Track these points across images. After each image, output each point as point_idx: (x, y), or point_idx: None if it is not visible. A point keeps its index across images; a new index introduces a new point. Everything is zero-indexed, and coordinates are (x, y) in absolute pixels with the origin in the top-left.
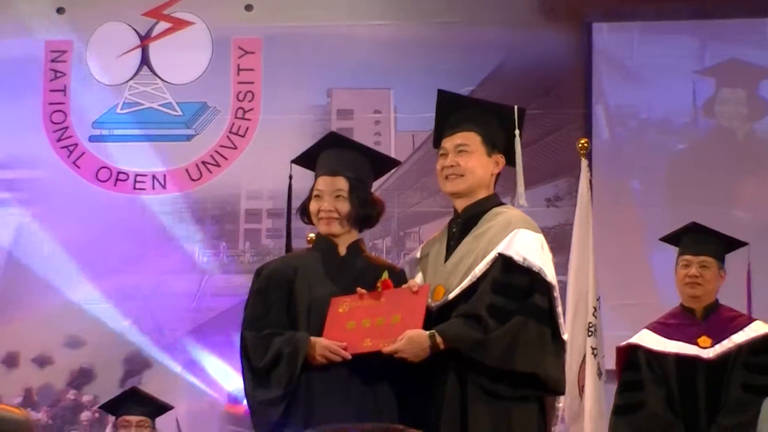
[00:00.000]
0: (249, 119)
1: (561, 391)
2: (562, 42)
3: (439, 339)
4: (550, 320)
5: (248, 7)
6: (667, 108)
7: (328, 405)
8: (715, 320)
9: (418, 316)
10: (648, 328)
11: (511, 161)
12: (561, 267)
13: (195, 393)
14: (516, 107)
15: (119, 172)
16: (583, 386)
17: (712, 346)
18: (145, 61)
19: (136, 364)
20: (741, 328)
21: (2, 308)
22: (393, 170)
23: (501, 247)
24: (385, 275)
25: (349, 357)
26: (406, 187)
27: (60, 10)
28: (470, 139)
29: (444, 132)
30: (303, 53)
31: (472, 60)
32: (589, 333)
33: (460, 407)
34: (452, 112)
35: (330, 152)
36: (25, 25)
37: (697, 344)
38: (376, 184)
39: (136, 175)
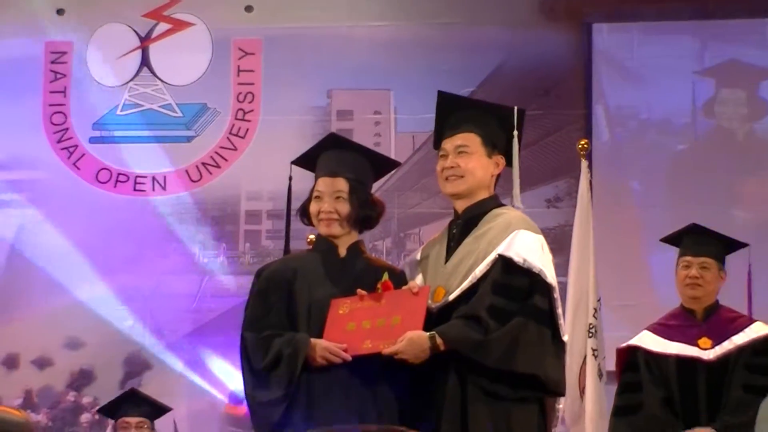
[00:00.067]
0: (249, 120)
1: (561, 393)
2: (562, 42)
3: (439, 340)
4: (550, 321)
5: (248, 8)
6: (667, 108)
7: (328, 406)
8: (716, 321)
9: (419, 317)
10: (648, 329)
11: (511, 162)
12: (561, 268)
13: (195, 394)
14: (516, 108)
15: (119, 174)
16: (583, 387)
17: (712, 347)
18: (145, 62)
19: (137, 365)
20: (741, 330)
21: (2, 309)
22: (393, 171)
23: (501, 249)
24: (386, 276)
25: (350, 358)
26: (406, 188)
27: (60, 11)
28: (470, 140)
29: (444, 133)
30: (303, 54)
31: (472, 61)
32: (590, 334)
33: (460, 408)
34: (452, 113)
35: (330, 153)
36: (25, 26)
37: (697, 345)
38: (376, 185)
39: (137, 176)
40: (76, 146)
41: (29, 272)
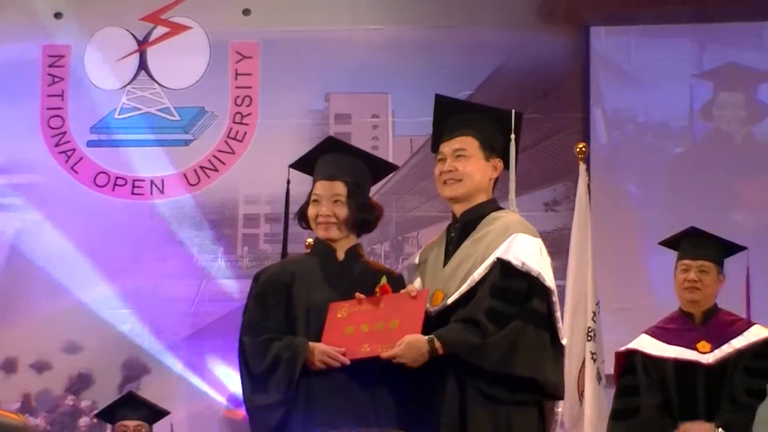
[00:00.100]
0: (247, 124)
1: (560, 396)
2: (561, 46)
3: (437, 344)
4: (548, 325)
5: (246, 12)
6: (665, 112)
7: (327, 410)
8: (714, 325)
9: (417, 321)
10: (647, 332)
11: (509, 165)
12: (559, 271)
13: (194, 398)
14: (513, 111)
15: (117, 177)
16: (582, 391)
17: (711, 351)
18: (142, 65)
19: (135, 369)
20: (740, 333)
21: (0, 313)
22: (391, 175)
23: (500, 252)
24: (384, 280)
25: (348, 362)
26: (404, 192)
27: (58, 15)
28: (468, 143)
29: (442, 137)
30: (301, 57)
31: (470, 64)
32: (589, 338)
33: (459, 412)
34: (450, 116)
35: (328, 157)
36: (23, 30)
37: (696, 349)
38: (374, 189)
39: (134, 180)
40: (74, 150)
41: (28, 276)
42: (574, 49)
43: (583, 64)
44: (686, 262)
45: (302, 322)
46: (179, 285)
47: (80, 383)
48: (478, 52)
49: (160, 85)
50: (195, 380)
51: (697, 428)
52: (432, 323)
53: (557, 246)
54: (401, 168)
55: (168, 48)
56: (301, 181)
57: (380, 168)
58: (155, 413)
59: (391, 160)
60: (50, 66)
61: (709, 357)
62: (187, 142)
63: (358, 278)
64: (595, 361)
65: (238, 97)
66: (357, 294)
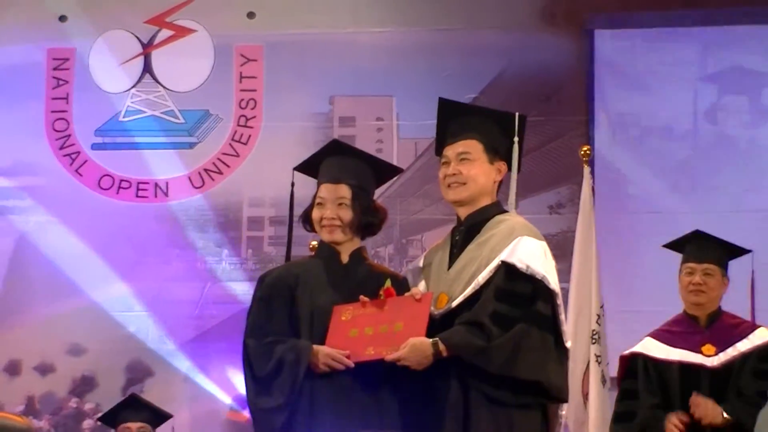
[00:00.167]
0: (251, 127)
1: (564, 399)
2: (564, 49)
3: (442, 346)
4: (553, 327)
5: (250, 15)
6: (669, 115)
7: (331, 413)
8: (719, 328)
9: (421, 323)
10: (651, 335)
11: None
12: (563, 274)
13: (198, 400)
14: (517, 114)
15: (122, 180)
16: (587, 394)
17: (716, 354)
18: (147, 68)
19: (139, 371)
20: (745, 336)
21: (4, 316)
22: (395, 178)
23: (504, 255)
24: (388, 283)
25: (352, 365)
26: (409, 195)
27: (62, 18)
28: (472, 146)
29: (446, 140)
30: (305, 60)
31: (474, 67)
32: (593, 340)
33: (463, 414)
34: (453, 119)
35: (332, 160)
36: (27, 33)
37: (701, 352)
38: (378, 192)
39: (139, 182)
40: (79, 153)
41: (32, 278)
42: (578, 53)
43: (587, 67)
44: (691, 265)
45: (306, 325)
46: (183, 287)
47: (84, 386)
48: (481, 55)
49: (164, 87)
50: (199, 383)
51: (704, 405)
52: (436, 326)
53: (561, 249)
54: (405, 171)
55: (173, 51)
56: (306, 184)
57: (384, 171)
58: (158, 416)
59: (395, 163)
60: (55, 69)
61: (713, 360)
62: (191, 145)
63: (363, 281)
64: (599, 363)
65: (242, 100)
66: (361, 297)
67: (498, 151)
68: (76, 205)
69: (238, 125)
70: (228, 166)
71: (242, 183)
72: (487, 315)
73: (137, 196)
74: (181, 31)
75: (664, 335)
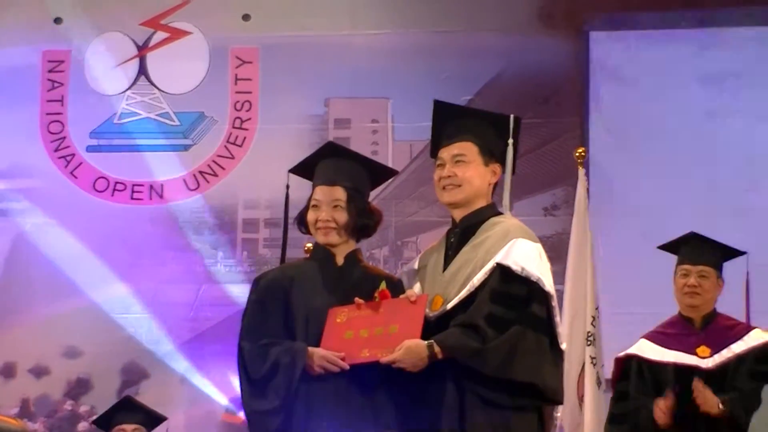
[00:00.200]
0: (246, 129)
1: (559, 401)
2: (561, 50)
3: (437, 349)
4: (548, 329)
5: (245, 17)
6: (665, 116)
7: (326, 415)
8: (714, 329)
9: (416, 326)
10: (646, 337)
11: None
12: (558, 276)
13: (193, 402)
14: (512, 116)
15: (117, 182)
16: (582, 396)
17: (711, 355)
18: (142, 70)
19: (134, 374)
20: (740, 337)
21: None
22: (390, 180)
23: (499, 257)
24: (383, 285)
25: (347, 367)
26: (404, 197)
27: (57, 20)
28: (467, 149)
29: (441, 142)
30: (300, 62)
31: (470, 69)
32: (588, 342)
33: (458, 417)
34: (448, 121)
35: (328, 162)
36: (22, 35)
37: (696, 354)
38: (373, 194)
39: (134, 185)
40: (74, 155)
41: (27, 280)
42: (574, 54)
43: (582, 68)
44: (686, 266)
45: (301, 327)
46: (178, 289)
47: (79, 388)
48: (477, 56)
49: (159, 90)
50: (194, 385)
51: (704, 392)
52: (431, 328)
53: (556, 250)
54: (401, 173)
55: (168, 53)
56: (301, 186)
57: (380, 173)
58: (153, 418)
59: (390, 165)
60: (50, 71)
61: (708, 362)
62: (186, 147)
63: (358, 283)
64: (594, 365)
65: (237, 102)
66: (356, 299)
67: (493, 153)
68: (71, 207)
69: (234, 127)
70: (223, 168)
71: (237, 185)
72: (483, 317)
73: (132, 198)
74: (177, 34)
75: (658, 337)
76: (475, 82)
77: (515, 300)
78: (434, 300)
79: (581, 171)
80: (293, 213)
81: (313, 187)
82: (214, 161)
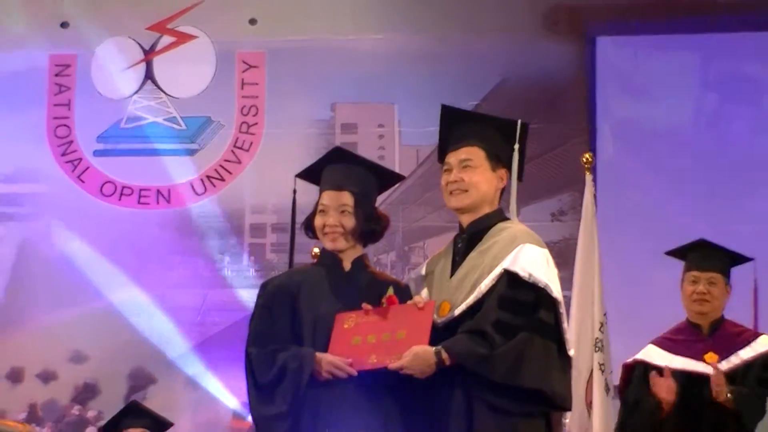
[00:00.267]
0: (253, 133)
1: (567, 407)
2: (566, 56)
3: (445, 355)
4: (556, 336)
5: (252, 21)
6: (670, 122)
7: (333, 421)
8: (722, 336)
9: (424, 331)
10: (654, 343)
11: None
12: (566, 281)
13: (200, 408)
14: (519, 121)
15: (124, 187)
16: (590, 402)
17: (719, 362)
18: (149, 75)
19: (141, 379)
20: (748, 344)
21: (6, 323)
22: (397, 185)
23: (506, 263)
24: (390, 291)
25: (355, 373)
26: (411, 202)
27: (64, 24)
28: (474, 154)
29: (448, 147)
30: (307, 67)
31: (476, 74)
32: (596, 348)
33: (466, 423)
34: (456, 126)
35: (335, 167)
36: (29, 39)
37: (703, 360)
38: (380, 199)
39: (141, 189)
40: (81, 159)
41: (34, 285)
42: (580, 60)
43: (588, 74)
44: (695, 273)
45: (309, 333)
46: (186, 294)
47: (86, 393)
48: (484, 62)
49: (166, 94)
50: (201, 390)
51: (720, 376)
52: (439, 334)
53: (564, 256)
54: (407, 178)
55: (174, 57)
56: (307, 191)
57: (386, 178)
58: (159, 423)
59: (397, 170)
60: (57, 75)
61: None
62: (193, 152)
63: (365, 289)
64: (603, 371)
65: (244, 106)
66: (364, 304)
67: (500, 159)
68: (78, 211)
69: (240, 132)
70: (230, 172)
71: (244, 190)
72: (490, 323)
73: (139, 203)
74: (183, 38)
75: (666, 343)
76: (481, 88)
77: (523, 306)
78: (442, 306)
79: (588, 176)
80: (300, 218)
81: (320, 192)
82: (221, 166)
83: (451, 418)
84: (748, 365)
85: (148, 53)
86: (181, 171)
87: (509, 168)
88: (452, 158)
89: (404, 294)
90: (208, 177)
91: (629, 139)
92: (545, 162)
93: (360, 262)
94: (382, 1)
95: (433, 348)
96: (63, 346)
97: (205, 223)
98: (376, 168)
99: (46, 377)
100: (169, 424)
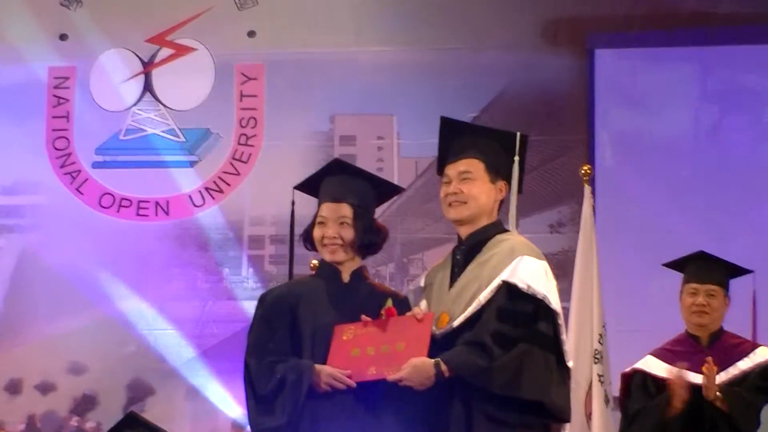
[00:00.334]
0: (252, 145)
1: (566, 419)
2: (565, 68)
3: (444, 367)
4: (555, 347)
5: (251, 33)
6: (670, 134)
7: None
8: (720, 347)
9: (423, 343)
10: (652, 354)
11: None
12: (565, 293)
13: (199, 420)
14: (519, 133)
15: (122, 199)
16: (590, 413)
17: (717, 373)
18: (147, 87)
19: (140, 390)
20: (746, 355)
21: (5, 334)
22: (396, 197)
23: (505, 275)
24: (389, 302)
25: (354, 385)
26: (410, 214)
27: (63, 37)
28: (474, 166)
29: (447, 159)
30: (306, 79)
31: (475, 86)
32: (596, 360)
33: None
34: (455, 138)
35: (334, 179)
36: (28, 51)
37: (702, 372)
38: (379, 210)
39: (140, 201)
40: (79, 171)
41: (32, 297)
42: (579, 72)
43: (587, 86)
44: (694, 285)
45: (308, 344)
46: (184, 306)
47: (85, 404)
48: (483, 74)
49: (165, 106)
50: (200, 401)
51: (712, 373)
52: (438, 346)
53: (562, 268)
54: (406, 190)
55: (173, 69)
56: (306, 203)
57: (385, 190)
58: None
59: (396, 181)
60: (56, 87)
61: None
62: (192, 164)
63: (364, 300)
64: (602, 383)
65: (243, 118)
66: (363, 316)
67: (499, 171)
68: (77, 223)
69: (239, 144)
70: (229, 184)
71: (243, 202)
72: (489, 335)
73: (138, 215)
74: (182, 50)
75: (665, 354)
76: (480, 100)
77: (522, 318)
78: (440, 317)
79: (587, 188)
80: (299, 230)
81: (319, 203)
82: (219, 177)
83: (450, 430)
84: (746, 376)
85: (147, 65)
86: (179, 183)
87: (508, 180)
88: (451, 170)
89: (403, 306)
90: (207, 189)
91: (628, 151)
92: (544, 174)
93: (359, 274)
94: (382, 13)
95: (432, 360)
96: (62, 358)
97: (204, 235)
98: (375, 180)
99: (45, 388)
100: None
